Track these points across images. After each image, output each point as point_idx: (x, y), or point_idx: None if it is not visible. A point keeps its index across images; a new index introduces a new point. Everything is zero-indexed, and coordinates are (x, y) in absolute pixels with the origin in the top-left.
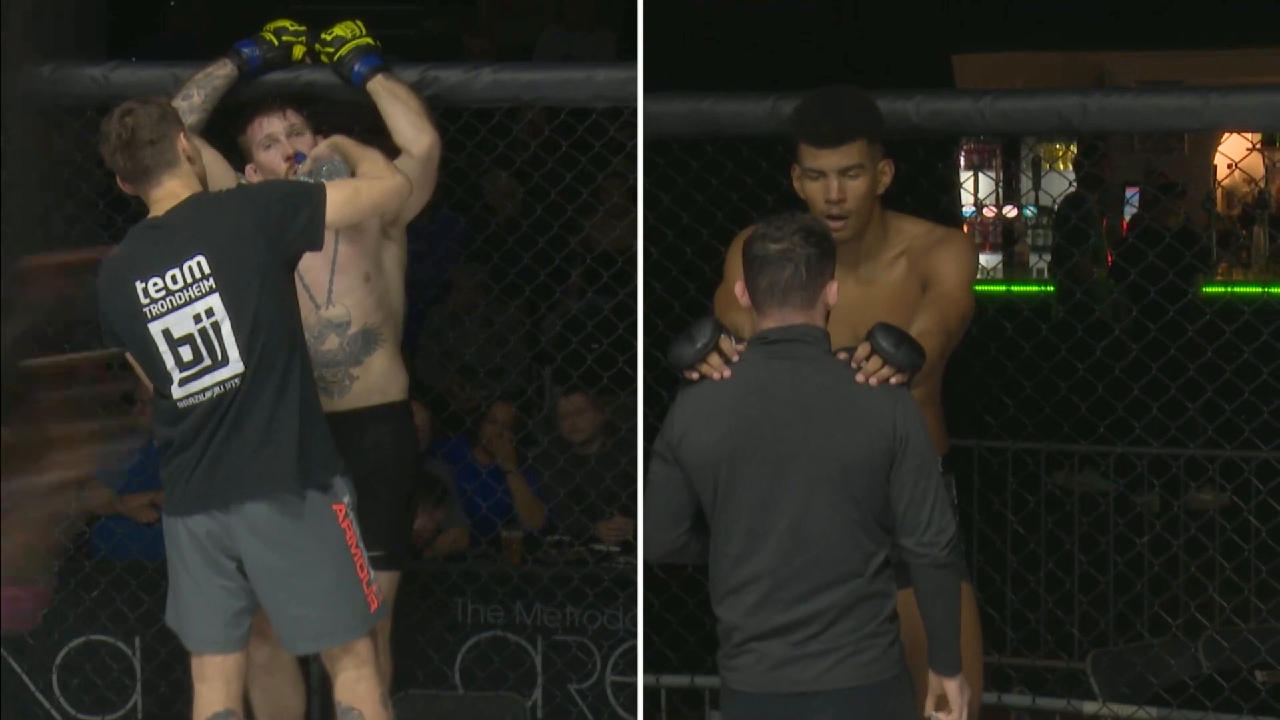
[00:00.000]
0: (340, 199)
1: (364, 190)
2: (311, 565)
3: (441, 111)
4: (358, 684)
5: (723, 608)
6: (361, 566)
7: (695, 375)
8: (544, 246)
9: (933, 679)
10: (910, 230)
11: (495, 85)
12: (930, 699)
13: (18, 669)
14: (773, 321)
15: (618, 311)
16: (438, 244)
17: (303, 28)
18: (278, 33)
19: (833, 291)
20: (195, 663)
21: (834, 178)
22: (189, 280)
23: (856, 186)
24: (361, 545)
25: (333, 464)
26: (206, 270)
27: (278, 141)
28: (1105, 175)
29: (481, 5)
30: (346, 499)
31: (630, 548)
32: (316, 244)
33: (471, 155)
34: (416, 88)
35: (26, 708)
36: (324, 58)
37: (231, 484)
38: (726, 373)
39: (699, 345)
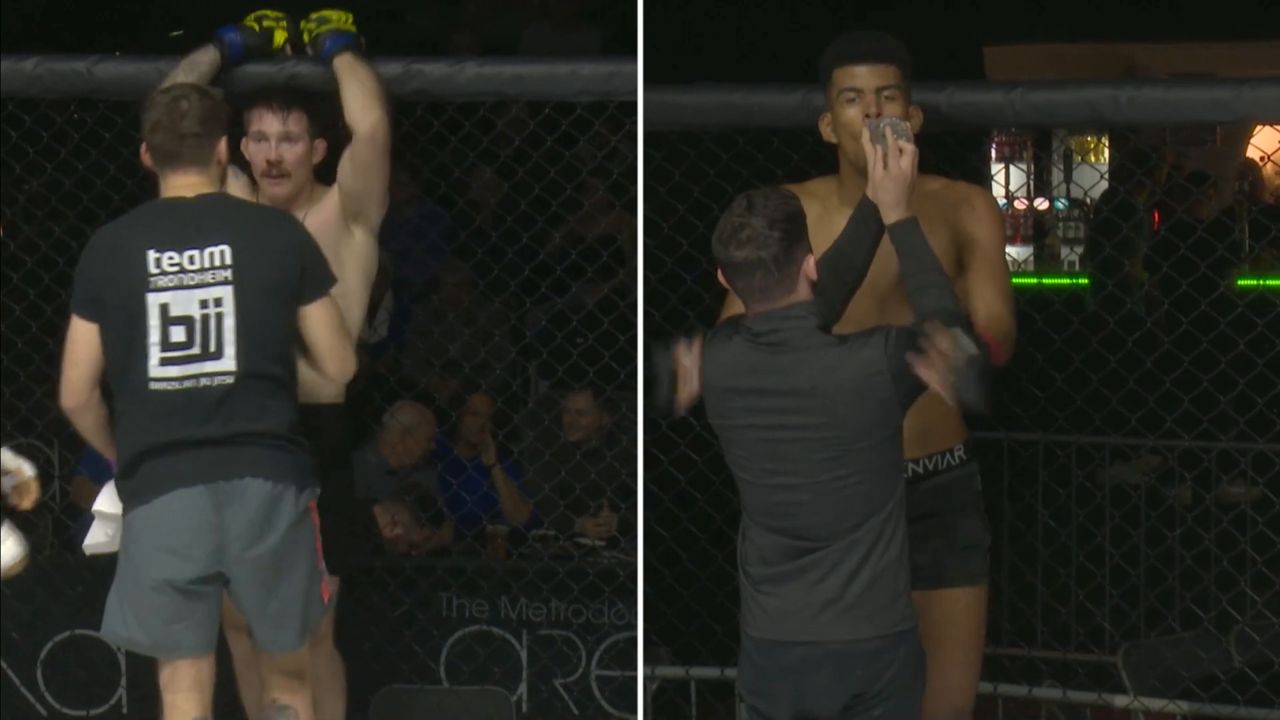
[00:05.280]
0: (329, 319)
1: (340, 338)
2: (291, 564)
3: (426, 106)
4: (299, 688)
5: (742, 558)
6: (320, 560)
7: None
8: (528, 241)
9: None
10: (931, 185)
11: (480, 79)
12: None
13: (2, 663)
14: (756, 310)
15: (603, 306)
16: (422, 240)
17: (282, 14)
18: (258, 19)
19: (810, 266)
20: (167, 671)
21: (871, 95)
22: (206, 265)
23: (894, 109)
24: (319, 542)
25: (317, 483)
26: (228, 261)
27: (266, 140)
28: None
29: (466, 1)
30: (317, 493)
31: (615, 542)
32: (301, 302)
33: (456, 150)
34: (400, 81)
35: (11, 702)
36: (305, 35)
37: (221, 466)
38: (696, 387)
39: (664, 395)
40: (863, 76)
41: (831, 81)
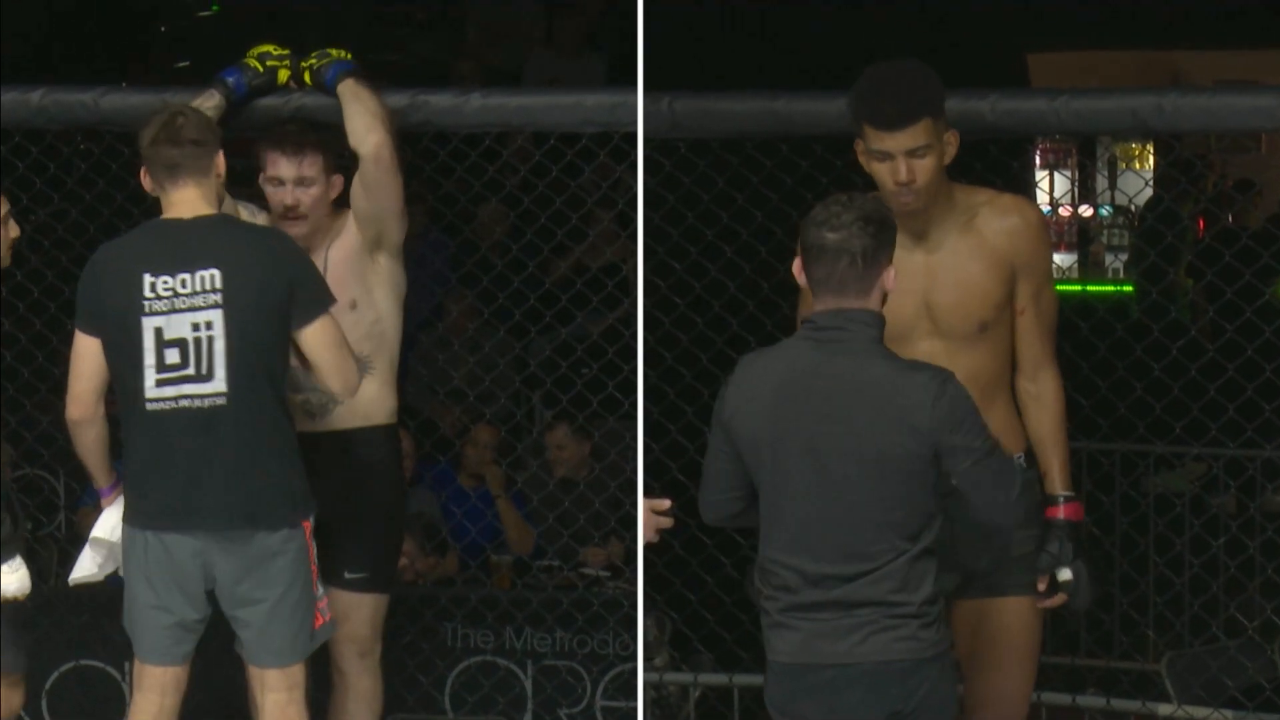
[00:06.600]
0: (329, 337)
1: (343, 354)
2: (284, 591)
3: (431, 136)
4: (289, 706)
5: (766, 582)
6: (315, 583)
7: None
8: (534, 270)
9: None
10: (977, 198)
11: (485, 110)
12: None
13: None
14: (826, 305)
15: (607, 336)
16: (427, 268)
17: (286, 51)
18: (261, 58)
19: (889, 278)
20: (136, 670)
21: (902, 159)
22: (198, 289)
23: (925, 165)
24: (315, 561)
25: (310, 501)
26: (218, 285)
27: (282, 185)
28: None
29: (469, 29)
30: (310, 518)
31: (619, 572)
32: (293, 326)
33: (461, 180)
34: (406, 112)
35: None
36: (306, 74)
37: (214, 510)
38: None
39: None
40: (892, 140)
41: (862, 133)
